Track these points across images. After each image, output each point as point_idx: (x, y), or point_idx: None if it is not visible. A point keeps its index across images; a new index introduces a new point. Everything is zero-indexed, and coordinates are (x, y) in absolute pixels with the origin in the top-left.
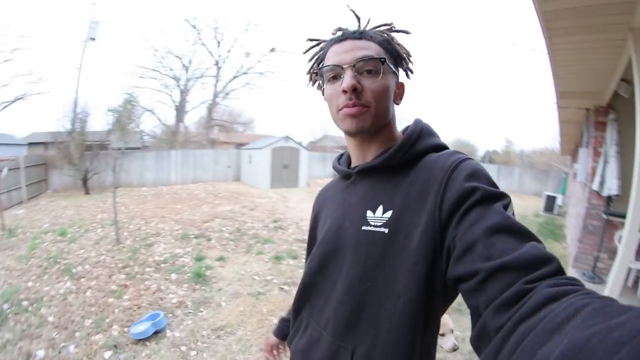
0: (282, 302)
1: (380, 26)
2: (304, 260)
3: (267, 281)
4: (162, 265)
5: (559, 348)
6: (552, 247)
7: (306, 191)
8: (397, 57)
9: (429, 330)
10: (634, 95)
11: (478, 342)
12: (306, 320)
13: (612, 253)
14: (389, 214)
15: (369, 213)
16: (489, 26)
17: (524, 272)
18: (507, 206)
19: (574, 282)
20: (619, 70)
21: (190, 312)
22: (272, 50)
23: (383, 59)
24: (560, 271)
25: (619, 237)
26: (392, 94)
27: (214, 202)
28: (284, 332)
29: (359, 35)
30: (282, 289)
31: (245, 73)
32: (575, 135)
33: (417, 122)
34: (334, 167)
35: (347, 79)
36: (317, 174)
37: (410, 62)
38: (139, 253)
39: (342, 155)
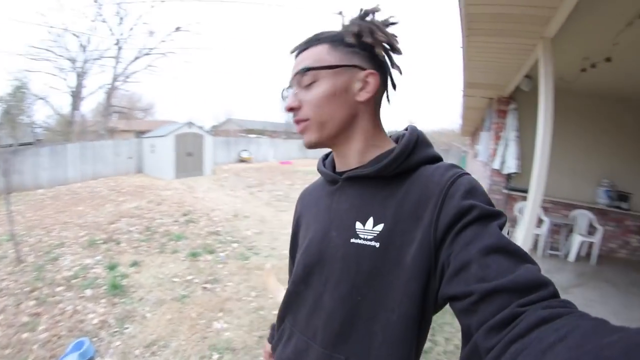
0: (209, 302)
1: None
2: (222, 255)
3: (188, 282)
4: (73, 281)
5: None
6: None
7: (212, 179)
8: (363, 47)
9: (420, 343)
10: (535, 90)
11: None
12: (289, 329)
13: (513, 222)
14: (380, 227)
15: (358, 225)
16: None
17: (518, 295)
18: (502, 226)
19: (567, 304)
20: (525, 68)
21: (116, 331)
22: (178, 29)
23: (309, 69)
24: (555, 295)
25: (518, 208)
26: (340, 95)
27: (118, 199)
28: None
29: (305, 45)
30: (205, 288)
31: (148, 54)
32: (476, 120)
33: (413, 130)
34: (318, 170)
35: (286, 101)
36: (222, 160)
37: (388, 46)
38: (45, 271)
39: (327, 155)
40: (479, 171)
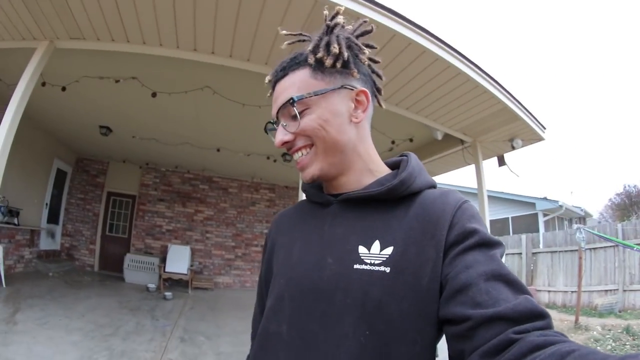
0: None
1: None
2: None
3: None
4: None
5: None
6: None
7: None
8: (346, 65)
9: None
10: None
11: None
12: None
13: None
14: (389, 250)
15: (362, 249)
16: None
17: (515, 324)
18: (502, 255)
19: (561, 335)
20: None
21: None
22: None
23: (300, 98)
24: (550, 326)
25: None
26: (337, 118)
27: None
28: None
29: (283, 72)
30: None
31: None
32: None
33: (414, 157)
34: (305, 190)
35: (276, 137)
36: None
37: (362, 54)
38: None
39: None
40: None
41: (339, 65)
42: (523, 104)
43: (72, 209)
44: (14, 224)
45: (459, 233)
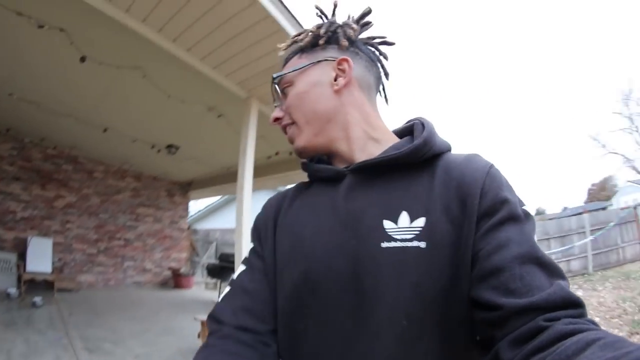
0: None
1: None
2: None
3: None
4: None
5: None
6: None
7: None
8: (327, 39)
9: None
10: None
11: None
12: None
13: None
14: (421, 221)
15: (388, 224)
16: None
17: (548, 312)
18: (533, 230)
19: (592, 323)
20: None
21: None
22: None
23: (278, 76)
24: (583, 315)
25: None
26: (316, 89)
27: None
28: None
29: (284, 63)
30: None
31: None
32: None
33: (426, 119)
34: (309, 168)
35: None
36: None
37: (341, 28)
38: None
39: (312, 158)
40: None
41: (321, 42)
42: None
43: None
44: None
45: (491, 204)
